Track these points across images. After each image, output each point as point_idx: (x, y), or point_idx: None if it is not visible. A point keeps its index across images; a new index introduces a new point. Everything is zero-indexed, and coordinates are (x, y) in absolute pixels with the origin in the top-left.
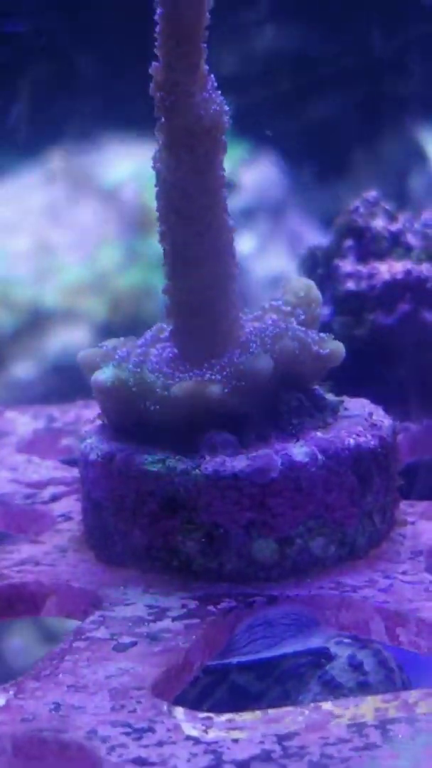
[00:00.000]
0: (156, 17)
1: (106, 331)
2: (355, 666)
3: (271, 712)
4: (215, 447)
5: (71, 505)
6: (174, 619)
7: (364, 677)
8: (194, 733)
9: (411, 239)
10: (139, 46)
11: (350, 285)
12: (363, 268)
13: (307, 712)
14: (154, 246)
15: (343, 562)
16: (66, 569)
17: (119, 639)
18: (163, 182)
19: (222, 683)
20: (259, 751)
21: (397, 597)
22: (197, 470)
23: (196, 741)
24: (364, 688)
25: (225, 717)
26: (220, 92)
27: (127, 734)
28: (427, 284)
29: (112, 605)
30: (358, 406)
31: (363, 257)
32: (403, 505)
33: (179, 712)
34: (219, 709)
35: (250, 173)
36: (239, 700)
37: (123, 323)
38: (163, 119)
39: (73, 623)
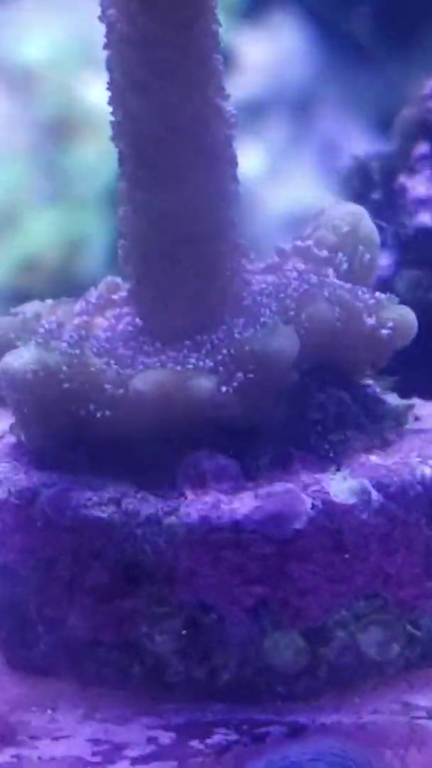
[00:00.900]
0: None
1: (11, 300)
2: None
3: None
4: (204, 478)
5: None
6: (134, 761)
7: None
8: None
9: None
10: None
11: (425, 218)
12: None
13: None
14: (89, 162)
15: (413, 670)
16: None
17: None
18: (120, 41)
19: None
20: None
21: None
22: (173, 517)
23: None
24: None
25: None
26: None
27: None
28: None
29: (33, 739)
30: None
31: None
32: None
33: None
34: None
35: (258, 43)
36: None
37: (39, 289)
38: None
39: None
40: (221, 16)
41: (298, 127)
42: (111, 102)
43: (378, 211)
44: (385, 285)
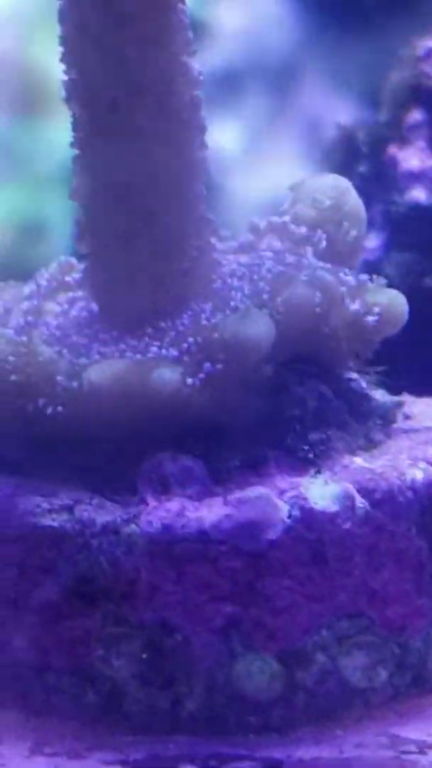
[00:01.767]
0: None
1: None
2: None
3: None
4: (167, 482)
5: None
6: None
7: None
8: None
9: None
10: None
11: (418, 194)
12: None
13: None
14: (50, 137)
15: (402, 699)
16: None
17: None
18: None
19: None
20: None
21: None
22: (133, 525)
23: None
24: None
25: None
26: None
27: None
28: None
29: None
30: (429, 412)
31: None
32: None
33: None
34: None
35: (234, 7)
36: None
37: None
38: None
39: None
40: None
41: (278, 101)
42: (63, 59)
43: (365, 187)
44: (372, 270)
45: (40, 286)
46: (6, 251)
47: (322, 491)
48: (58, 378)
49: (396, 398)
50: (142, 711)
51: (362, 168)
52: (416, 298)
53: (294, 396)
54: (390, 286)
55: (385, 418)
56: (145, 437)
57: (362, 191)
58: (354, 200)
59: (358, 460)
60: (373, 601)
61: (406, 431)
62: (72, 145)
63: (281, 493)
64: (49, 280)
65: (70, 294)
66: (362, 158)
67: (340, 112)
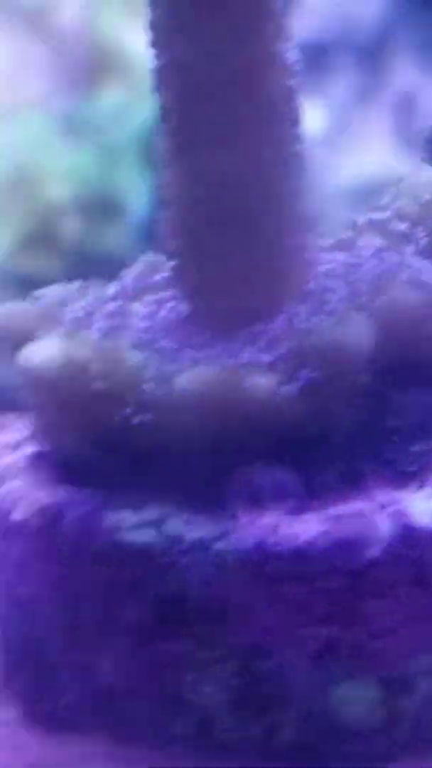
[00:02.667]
0: None
1: (26, 282)
2: None
3: None
4: (260, 496)
5: None
6: None
7: None
8: None
9: None
10: None
11: None
12: None
13: None
14: (118, 109)
15: None
16: None
17: None
18: None
19: None
20: None
21: None
22: (223, 542)
23: None
24: None
25: None
26: None
27: None
28: None
29: None
30: None
31: None
32: None
33: None
34: None
35: None
36: None
37: (57, 267)
38: None
39: None
40: None
41: (368, 79)
42: (152, 45)
43: None
44: None
45: (125, 286)
46: (78, 233)
47: (424, 506)
48: (146, 385)
49: None
50: (234, 740)
51: None
52: None
53: (394, 405)
54: None
55: None
56: (237, 448)
57: None
58: None
59: None
60: None
61: None
62: (160, 136)
63: (381, 508)
64: (134, 279)
65: (158, 295)
66: None
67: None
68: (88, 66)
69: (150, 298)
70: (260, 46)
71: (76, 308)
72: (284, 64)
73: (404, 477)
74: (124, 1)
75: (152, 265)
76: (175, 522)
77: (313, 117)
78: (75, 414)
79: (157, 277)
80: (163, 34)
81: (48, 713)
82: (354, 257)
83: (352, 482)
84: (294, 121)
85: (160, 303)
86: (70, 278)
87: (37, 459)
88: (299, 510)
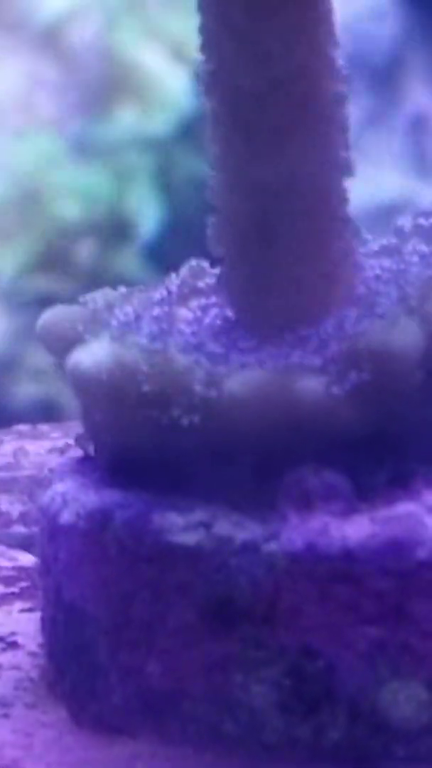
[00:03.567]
0: None
1: (40, 302)
2: None
3: None
4: (310, 497)
5: (17, 620)
6: None
7: None
8: None
9: None
10: None
11: None
12: None
13: None
14: (133, 127)
15: None
16: (14, 740)
17: None
18: None
19: None
20: None
21: None
22: (274, 544)
23: None
24: None
25: None
26: None
27: None
28: None
29: None
30: None
31: None
32: None
33: None
34: None
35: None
36: None
37: (74, 288)
38: None
39: None
40: None
41: (381, 98)
42: (201, 49)
43: None
44: None
45: (170, 290)
46: (91, 254)
47: None
48: (196, 388)
49: None
50: (283, 741)
51: None
52: None
53: None
54: None
55: None
56: (287, 450)
57: None
58: None
59: None
60: None
61: None
62: (210, 140)
63: (430, 510)
64: (180, 285)
65: (204, 300)
66: None
67: None
68: (102, 86)
69: (196, 303)
70: (311, 51)
71: (123, 312)
72: (334, 70)
73: None
74: (139, 20)
75: (197, 272)
76: (225, 523)
77: None
78: (124, 416)
79: (201, 283)
80: (212, 39)
81: (95, 715)
82: (401, 262)
83: (402, 484)
84: (343, 127)
85: (206, 308)
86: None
87: (85, 462)
88: (349, 511)
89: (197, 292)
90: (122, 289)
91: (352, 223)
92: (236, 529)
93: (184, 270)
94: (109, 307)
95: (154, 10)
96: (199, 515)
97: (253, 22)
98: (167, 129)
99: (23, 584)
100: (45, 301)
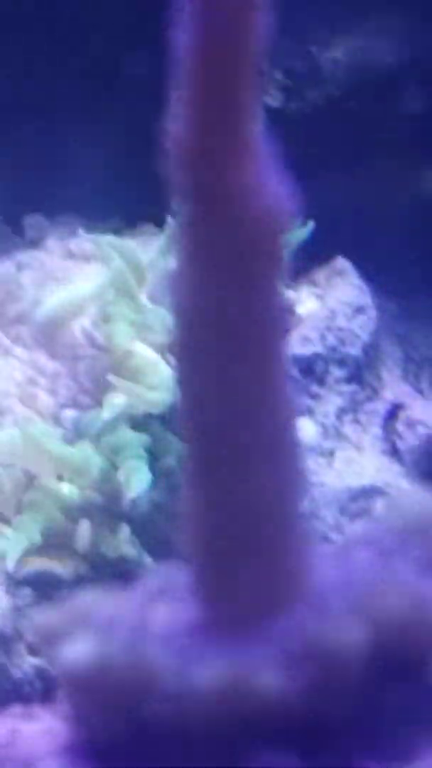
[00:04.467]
0: (179, 49)
1: (42, 583)
2: None
3: None
4: None
5: None
6: None
7: None
8: None
9: None
10: None
11: None
12: None
13: None
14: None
15: None
16: None
17: None
18: (183, 310)
19: None
20: None
21: None
22: None
23: None
24: None
25: None
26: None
27: None
28: None
29: None
30: None
31: None
32: None
33: None
34: None
35: (314, 295)
36: None
37: (75, 569)
38: (187, 211)
39: None
40: None
41: (357, 390)
42: (177, 382)
43: None
44: None
45: (145, 590)
46: (89, 534)
47: None
48: (167, 681)
49: None
50: None
51: None
52: None
53: (382, 694)
54: None
55: None
56: (246, 736)
57: None
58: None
59: None
60: None
61: None
62: (184, 461)
63: None
64: (152, 585)
65: (178, 597)
66: None
67: (423, 406)
68: (99, 373)
69: (170, 599)
70: (270, 382)
71: (103, 610)
72: (288, 400)
73: (393, 762)
74: (134, 312)
75: (167, 573)
76: None
77: (306, 428)
78: (104, 706)
79: (173, 582)
80: (184, 373)
81: None
82: (349, 565)
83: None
84: (296, 446)
85: (178, 605)
86: (82, 579)
87: (71, 745)
88: None
89: (169, 589)
90: (101, 587)
91: (306, 530)
92: None
93: (155, 572)
94: (92, 608)
95: (146, 303)
96: None
97: (223, 360)
98: (161, 410)
99: None
100: (45, 581)
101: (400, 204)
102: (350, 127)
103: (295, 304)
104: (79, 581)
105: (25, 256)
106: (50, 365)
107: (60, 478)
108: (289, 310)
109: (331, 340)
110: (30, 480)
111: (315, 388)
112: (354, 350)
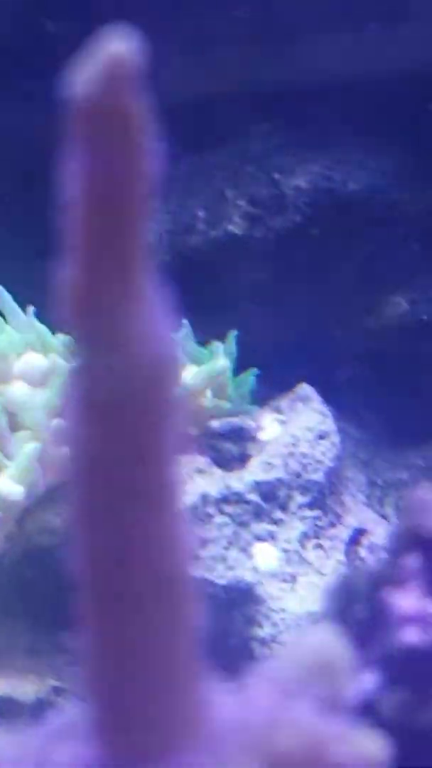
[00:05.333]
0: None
1: None
2: None
3: None
4: None
5: None
6: None
7: None
8: None
9: None
10: None
11: (411, 636)
12: None
13: None
14: None
15: None
16: None
17: None
18: (74, 454)
19: None
20: None
21: None
22: None
23: None
24: None
25: None
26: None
27: None
28: None
29: None
30: None
31: None
32: None
33: None
34: None
35: (278, 421)
36: None
37: None
38: (76, 360)
39: None
40: None
41: (320, 515)
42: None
43: (361, 631)
44: (367, 709)
45: (47, 731)
46: None
47: None
48: None
49: None
50: None
51: (358, 607)
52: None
53: None
54: (386, 726)
55: None
56: None
57: (359, 635)
58: (341, 659)
59: None
60: None
61: None
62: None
63: None
64: (55, 726)
65: (77, 736)
66: (359, 599)
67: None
68: None
69: (71, 738)
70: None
71: (6, 748)
72: (184, 548)
73: None
74: None
75: (70, 717)
76: None
77: (268, 553)
78: None
79: (75, 722)
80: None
81: None
82: (249, 705)
83: None
84: (193, 598)
85: (80, 743)
86: None
87: None
88: None
89: (72, 728)
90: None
91: (203, 669)
92: None
93: (58, 714)
94: None
95: None
96: None
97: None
98: None
99: None
100: None
101: (366, 329)
102: (313, 252)
103: (258, 430)
104: None
105: None
106: None
107: None
108: (179, 460)
109: (293, 465)
110: None
111: (278, 514)
112: (317, 476)
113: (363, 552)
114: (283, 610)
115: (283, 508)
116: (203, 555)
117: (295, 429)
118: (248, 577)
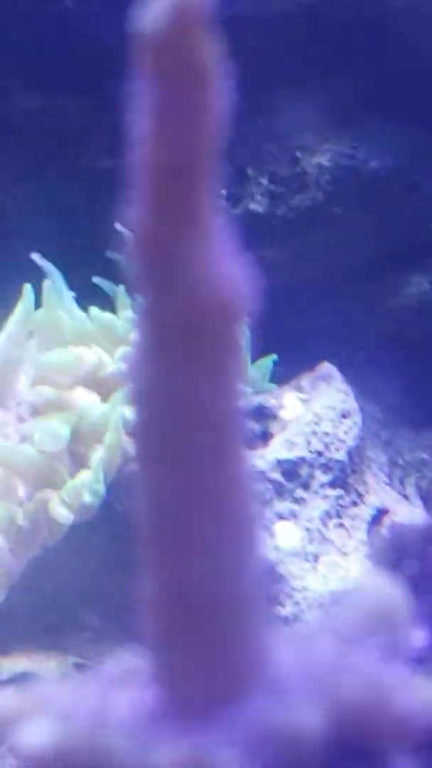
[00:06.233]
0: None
1: None
2: None
3: None
4: None
5: None
6: None
7: None
8: None
9: None
10: None
11: None
12: None
13: None
14: None
15: None
16: None
17: None
18: (140, 396)
19: None
20: None
21: None
22: None
23: None
24: None
25: None
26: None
27: None
28: None
29: None
30: None
31: None
32: None
33: None
34: None
35: (299, 400)
36: None
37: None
38: (144, 300)
39: None
40: None
41: (342, 495)
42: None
43: (413, 583)
44: (422, 664)
45: (105, 675)
46: None
47: None
48: (122, 763)
49: None
50: None
51: (407, 562)
52: None
53: None
54: None
55: None
56: None
57: (411, 589)
58: (401, 604)
59: None
60: None
61: None
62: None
63: None
64: (113, 666)
65: (134, 682)
66: (409, 555)
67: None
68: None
69: (128, 684)
70: (218, 423)
71: (63, 698)
72: (248, 487)
73: None
74: None
75: (131, 655)
76: None
77: (290, 532)
78: None
79: (133, 669)
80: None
81: None
82: (309, 653)
83: None
84: (256, 528)
85: (136, 691)
86: None
87: None
88: None
89: (129, 675)
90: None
91: (265, 615)
92: None
93: (116, 656)
94: (49, 689)
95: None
96: None
97: (175, 438)
98: None
99: None
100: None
101: (386, 309)
102: (335, 230)
103: (280, 408)
104: None
105: None
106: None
107: None
108: (245, 399)
109: (316, 444)
110: None
111: (300, 493)
112: (339, 455)
113: (385, 531)
114: (305, 589)
115: (306, 486)
116: None
117: (318, 408)
118: (270, 556)
